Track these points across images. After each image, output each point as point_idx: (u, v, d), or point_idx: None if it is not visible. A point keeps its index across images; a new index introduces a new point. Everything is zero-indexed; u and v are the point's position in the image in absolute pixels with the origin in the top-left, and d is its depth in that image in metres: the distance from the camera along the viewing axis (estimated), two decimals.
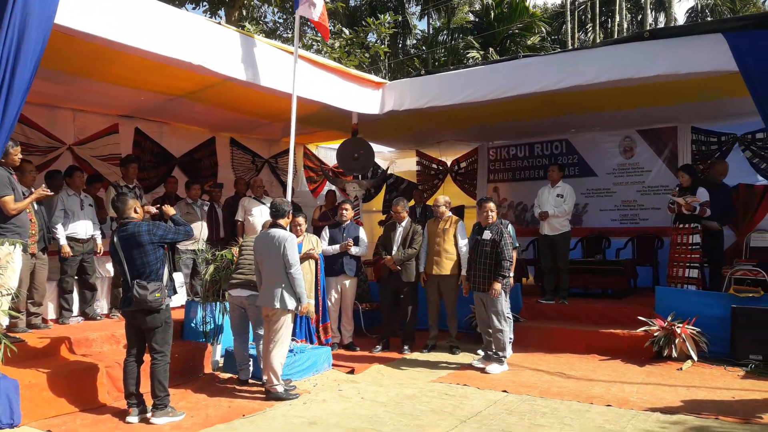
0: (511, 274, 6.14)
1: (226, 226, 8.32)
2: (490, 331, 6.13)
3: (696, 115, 8.45)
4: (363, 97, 7.94)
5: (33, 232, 5.69)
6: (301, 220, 6.62)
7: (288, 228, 5.41)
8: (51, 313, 6.53)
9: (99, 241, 6.73)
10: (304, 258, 6.53)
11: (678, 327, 6.11)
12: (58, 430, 4.39)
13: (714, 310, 6.20)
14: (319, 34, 13.54)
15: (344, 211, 7.11)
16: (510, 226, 7.01)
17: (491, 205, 6.18)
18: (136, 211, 4.69)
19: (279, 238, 5.16)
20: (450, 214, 6.99)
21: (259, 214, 8.13)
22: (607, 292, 8.32)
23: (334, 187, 9.99)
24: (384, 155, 11.89)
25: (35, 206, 5.84)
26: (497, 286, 5.96)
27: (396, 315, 7.10)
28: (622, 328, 6.70)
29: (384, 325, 7.13)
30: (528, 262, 9.28)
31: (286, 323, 5.17)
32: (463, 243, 6.76)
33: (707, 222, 6.80)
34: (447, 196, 7.22)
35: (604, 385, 5.45)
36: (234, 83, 6.48)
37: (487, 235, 6.10)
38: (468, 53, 21.11)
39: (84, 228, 6.56)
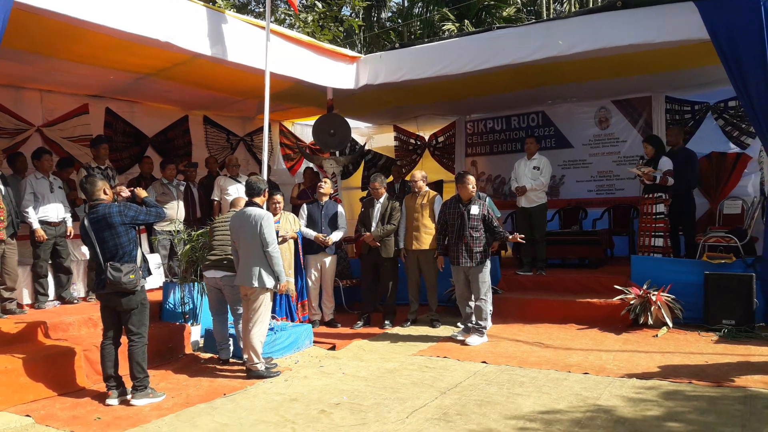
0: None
1: (203, 206, 8.25)
2: (471, 304, 6.18)
3: (670, 84, 8.50)
4: (337, 71, 7.84)
5: (1, 218, 5.57)
6: (278, 198, 6.62)
7: (264, 206, 5.37)
8: (26, 298, 6.45)
9: (69, 224, 6.63)
10: (283, 241, 6.59)
11: (653, 295, 6.22)
12: (37, 414, 4.36)
13: (688, 276, 6.31)
14: (291, 9, 13.32)
15: (322, 189, 7.09)
16: (489, 199, 7.06)
17: (472, 178, 6.19)
18: (105, 193, 4.61)
19: (255, 216, 5.13)
20: (427, 189, 7.00)
21: (235, 193, 8.05)
22: (584, 262, 8.42)
23: (311, 165, 9.93)
24: (361, 131, 11.84)
25: (2, 191, 5.72)
26: (511, 237, 6.03)
27: (376, 291, 7.14)
28: (598, 297, 6.79)
29: (364, 301, 7.16)
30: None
31: (265, 302, 5.17)
32: (437, 218, 6.82)
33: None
34: (424, 171, 7.20)
35: (581, 353, 5.54)
36: (204, 60, 6.36)
37: (476, 210, 6.13)
38: (443, 26, 20.94)
39: (55, 211, 6.45)
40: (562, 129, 9.76)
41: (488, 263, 6.14)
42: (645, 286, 6.37)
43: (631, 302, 6.29)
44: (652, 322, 6.21)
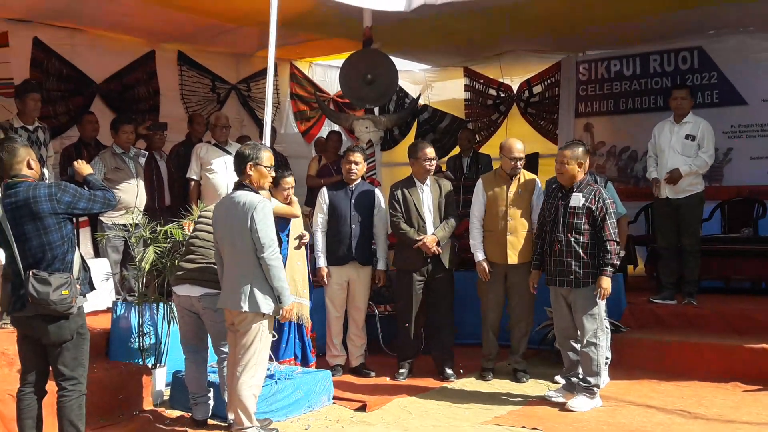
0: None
1: (174, 188, 8.40)
2: (577, 346, 6.16)
3: None
4: None
5: None
6: (289, 180, 6.70)
7: (258, 190, 5.43)
8: None
9: None
10: (298, 246, 6.76)
11: None
12: None
13: None
14: None
15: (353, 165, 7.16)
16: (610, 185, 6.99)
17: (578, 152, 6.15)
18: (30, 166, 4.66)
19: (246, 204, 5.17)
20: (521, 170, 7.01)
21: (223, 169, 8.16)
22: (759, 286, 8.27)
23: (337, 127, 9.95)
24: (414, 76, 11.90)
25: None
26: (605, 282, 6.01)
27: (423, 323, 7.26)
28: None
29: (402, 339, 7.24)
30: (636, 240, 9.24)
31: (261, 335, 5.21)
32: (537, 214, 6.83)
33: None
34: (520, 141, 7.20)
35: (752, 429, 5.45)
36: None
37: (577, 200, 6.11)
38: None
39: None
40: (729, 75, 9.60)
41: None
42: None
43: None
44: None
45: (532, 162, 10.48)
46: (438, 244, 6.90)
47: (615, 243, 6.03)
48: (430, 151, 7.07)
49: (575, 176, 6.16)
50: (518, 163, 6.88)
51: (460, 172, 9.59)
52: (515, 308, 6.94)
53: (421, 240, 6.89)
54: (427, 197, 7.07)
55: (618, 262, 6.14)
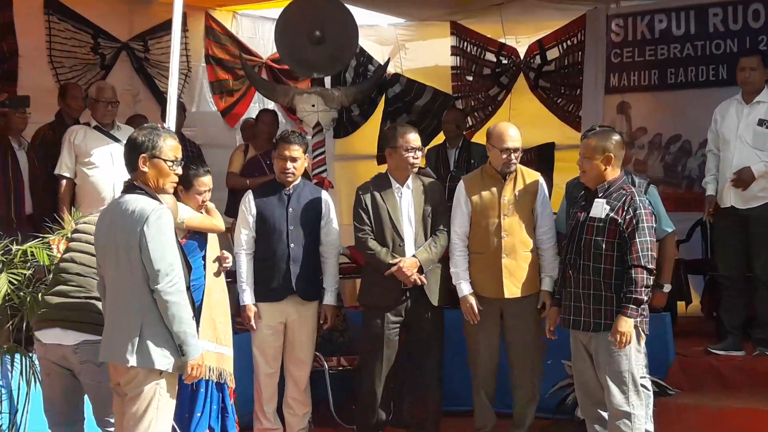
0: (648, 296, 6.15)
1: (38, 190, 8.36)
2: (605, 415, 6.17)
3: None
4: None
5: None
6: (206, 180, 6.66)
7: (157, 193, 5.39)
8: None
9: None
10: (218, 272, 6.69)
11: None
12: None
13: None
14: None
15: (288, 162, 7.12)
16: (653, 190, 7.00)
17: (609, 142, 6.16)
18: None
19: (135, 214, 5.11)
20: (517, 165, 7.00)
21: (108, 162, 8.13)
22: None
23: (272, 105, 9.92)
24: (381, 34, 12.03)
25: None
26: (623, 325, 5.94)
27: (400, 380, 7.25)
28: None
29: (365, 405, 7.24)
30: (690, 266, 9.33)
31: (157, 401, 5.13)
32: (547, 226, 6.88)
33: None
34: (515, 125, 7.18)
35: None
36: None
37: (599, 209, 6.09)
38: None
39: None
40: None
41: (635, 340, 6.00)
42: None
43: None
44: None
45: (545, 155, 10.66)
46: (421, 270, 6.88)
47: (645, 270, 5.92)
48: (415, 138, 7.03)
49: (603, 175, 6.13)
50: (512, 156, 6.85)
51: (445, 169, 9.66)
52: (517, 361, 6.92)
53: (396, 264, 6.90)
54: (407, 204, 7.05)
55: (645, 297, 5.98)
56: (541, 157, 10.56)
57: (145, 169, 5.24)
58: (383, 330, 6.94)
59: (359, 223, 7.06)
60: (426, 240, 7.02)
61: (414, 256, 6.93)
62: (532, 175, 7.02)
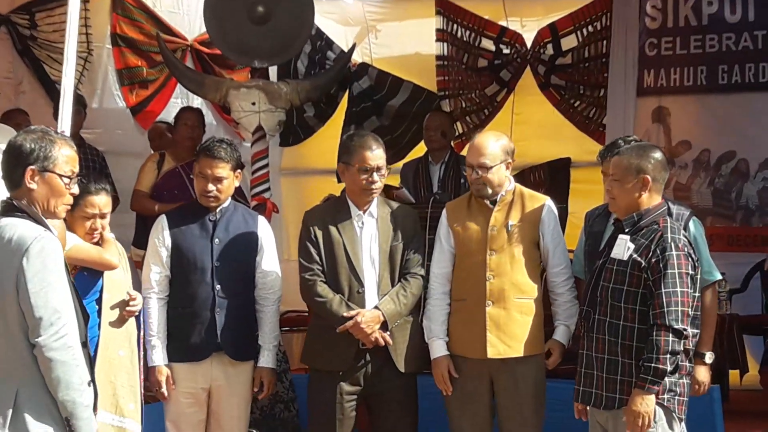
0: (690, 364, 6.20)
1: None
2: None
3: None
4: None
5: None
6: (97, 200, 6.59)
7: (45, 217, 5.38)
8: None
9: None
10: (119, 322, 6.53)
11: None
12: None
13: None
14: None
15: (209, 183, 7.03)
16: (695, 224, 6.98)
17: (645, 161, 6.14)
18: None
19: (14, 243, 5.11)
20: (513, 185, 7.04)
21: None
22: None
23: (198, 102, 9.92)
24: (346, 12, 12.02)
25: None
26: (639, 404, 5.96)
27: None
28: None
29: None
30: (745, 325, 9.35)
31: None
32: (560, 266, 6.89)
33: None
34: (504, 136, 7.21)
35: None
36: None
37: (620, 250, 6.09)
38: None
39: None
40: None
41: (663, 414, 6.00)
42: None
43: None
44: None
45: (558, 174, 10.63)
46: (385, 326, 6.84)
47: (670, 332, 5.85)
48: (374, 155, 6.91)
49: (637, 203, 6.13)
50: (481, 173, 6.82)
51: (427, 191, 9.70)
52: None
53: (353, 318, 6.86)
54: (370, 237, 7.01)
55: (669, 367, 5.87)
56: (553, 176, 10.51)
57: (33, 186, 5.13)
58: (335, 402, 6.90)
59: (306, 261, 6.98)
60: (393, 286, 7.00)
61: (376, 307, 6.85)
62: (535, 200, 6.97)
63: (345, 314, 6.73)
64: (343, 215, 7.04)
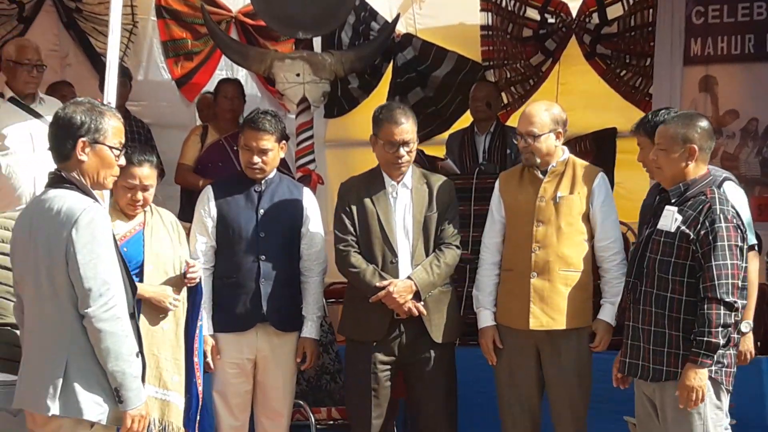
0: (738, 336, 6.14)
1: None
2: None
3: None
4: None
5: None
6: (138, 172, 6.66)
7: (103, 193, 5.39)
8: None
9: None
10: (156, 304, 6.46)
11: None
12: None
13: None
14: None
15: (254, 155, 7.08)
16: (730, 186, 6.76)
17: (691, 130, 6.11)
18: None
19: (63, 215, 5.10)
20: (566, 155, 7.05)
21: (26, 146, 8.22)
22: None
23: (243, 74, 9.92)
24: None
25: None
26: (693, 378, 5.90)
27: None
28: None
29: None
30: None
31: None
32: (610, 239, 6.86)
33: None
34: (555, 105, 7.18)
35: None
36: None
37: (668, 221, 6.07)
38: None
39: None
40: None
41: (711, 386, 5.95)
42: None
43: None
44: None
45: (604, 144, 10.67)
46: (418, 296, 6.86)
47: (722, 305, 5.81)
48: (401, 130, 6.91)
49: (683, 173, 6.11)
50: (530, 141, 6.86)
51: (473, 162, 9.73)
52: (558, 417, 6.94)
53: (384, 288, 6.90)
54: (404, 208, 7.03)
55: (722, 340, 5.81)
56: (598, 147, 10.57)
57: (84, 158, 5.15)
58: (370, 372, 6.94)
59: (340, 232, 7.04)
60: (428, 256, 7.02)
61: (409, 277, 6.90)
62: (587, 171, 6.97)
63: (378, 284, 6.79)
64: (377, 186, 7.08)
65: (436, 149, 10.75)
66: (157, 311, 6.55)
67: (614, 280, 6.78)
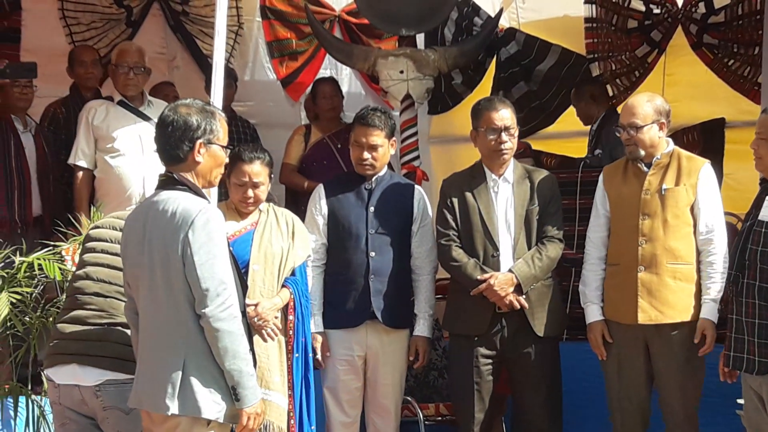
0: None
1: (47, 184, 8.51)
2: None
3: None
4: None
5: None
6: (248, 169, 6.69)
7: (212, 192, 5.44)
8: None
9: None
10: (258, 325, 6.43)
11: None
12: None
13: None
14: None
15: (364, 151, 7.09)
16: None
17: None
18: None
19: (178, 217, 5.14)
20: (671, 147, 6.97)
21: (136, 148, 8.29)
22: None
23: (346, 71, 9.91)
24: None
25: None
26: None
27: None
28: None
29: None
30: None
31: None
32: (709, 233, 6.72)
33: None
34: (658, 96, 7.13)
35: None
36: None
37: None
38: None
39: None
40: None
41: None
42: None
43: None
44: None
45: (712, 135, 10.54)
46: (519, 289, 6.85)
47: None
48: (502, 116, 6.93)
49: None
50: (632, 133, 6.79)
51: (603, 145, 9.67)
52: (668, 412, 6.88)
53: (485, 281, 6.89)
54: (505, 202, 7.02)
55: None
56: (706, 138, 10.42)
57: (200, 159, 5.21)
58: (472, 366, 6.93)
59: (442, 227, 7.06)
60: (530, 249, 7.03)
61: (510, 270, 6.91)
62: (693, 162, 6.86)
63: (479, 277, 6.77)
64: (478, 181, 7.09)
65: (542, 143, 10.77)
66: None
67: (716, 275, 6.62)
